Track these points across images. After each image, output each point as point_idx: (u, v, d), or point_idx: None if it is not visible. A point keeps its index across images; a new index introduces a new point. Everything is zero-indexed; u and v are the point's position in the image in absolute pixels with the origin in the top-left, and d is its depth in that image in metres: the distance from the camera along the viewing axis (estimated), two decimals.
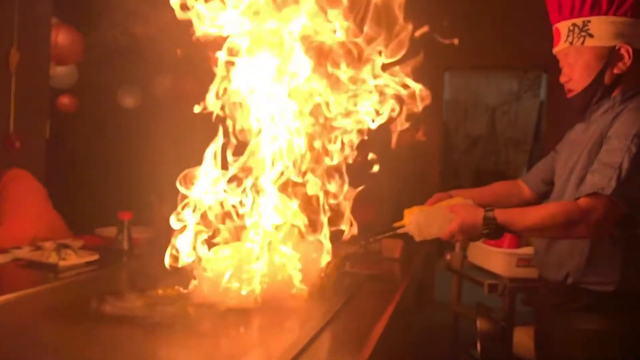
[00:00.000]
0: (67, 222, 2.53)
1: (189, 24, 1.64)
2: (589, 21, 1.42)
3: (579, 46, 1.45)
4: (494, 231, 1.43)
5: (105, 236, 2.47)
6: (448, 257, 3.03)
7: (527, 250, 2.53)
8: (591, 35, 1.42)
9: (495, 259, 2.66)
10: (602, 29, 1.41)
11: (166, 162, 1.73)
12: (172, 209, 1.63)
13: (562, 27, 1.48)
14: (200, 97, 1.68)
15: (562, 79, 1.53)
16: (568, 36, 1.46)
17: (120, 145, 4.66)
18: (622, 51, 1.41)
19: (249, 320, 1.54)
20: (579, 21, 1.43)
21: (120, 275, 1.99)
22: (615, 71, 1.43)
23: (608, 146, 1.36)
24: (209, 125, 1.76)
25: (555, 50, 1.53)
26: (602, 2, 1.41)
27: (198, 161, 1.68)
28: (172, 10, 1.60)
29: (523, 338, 2.49)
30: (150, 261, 2.07)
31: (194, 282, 1.64)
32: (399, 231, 1.63)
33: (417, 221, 1.58)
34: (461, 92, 6.87)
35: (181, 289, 1.63)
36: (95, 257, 2.01)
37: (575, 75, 1.48)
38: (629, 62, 1.41)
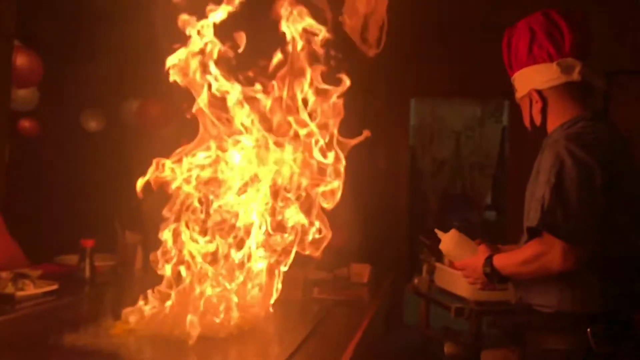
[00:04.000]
0: (25, 250, 2.44)
1: (155, 46, 1.64)
2: (514, 78, 1.67)
3: (517, 99, 1.70)
4: (493, 275, 1.55)
5: (66, 264, 2.39)
6: (415, 281, 3.05)
7: None
8: (516, 89, 1.67)
9: (461, 282, 2.68)
10: (520, 82, 1.65)
11: (130, 187, 1.70)
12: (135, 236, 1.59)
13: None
14: (166, 121, 1.67)
15: None
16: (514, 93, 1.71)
17: (83, 170, 4.55)
18: (531, 94, 1.62)
19: (216, 349, 1.50)
20: (512, 80, 1.69)
21: (81, 305, 1.92)
22: (535, 111, 1.63)
23: (537, 183, 1.52)
24: (174, 148, 1.74)
25: None
26: (512, 61, 1.66)
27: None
28: (138, 32, 1.60)
29: None
30: (114, 290, 2.01)
31: (160, 311, 1.59)
32: (439, 235, 1.76)
33: (455, 238, 1.71)
34: (427, 118, 7.00)
35: (146, 320, 1.58)
36: (55, 286, 1.94)
37: (524, 122, 1.72)
38: (540, 101, 1.60)
